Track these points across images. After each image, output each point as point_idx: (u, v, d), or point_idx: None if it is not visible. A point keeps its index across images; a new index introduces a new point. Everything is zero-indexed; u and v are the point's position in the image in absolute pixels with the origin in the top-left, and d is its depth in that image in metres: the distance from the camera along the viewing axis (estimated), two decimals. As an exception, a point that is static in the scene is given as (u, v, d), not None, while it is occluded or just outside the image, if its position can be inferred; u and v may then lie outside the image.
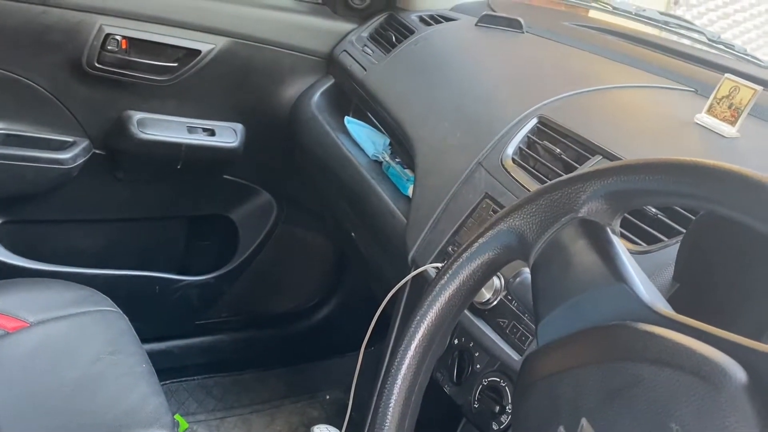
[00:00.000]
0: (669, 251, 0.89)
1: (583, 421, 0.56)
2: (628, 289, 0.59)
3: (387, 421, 0.70)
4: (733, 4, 4.23)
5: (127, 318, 1.40)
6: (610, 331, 0.58)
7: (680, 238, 0.89)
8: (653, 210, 0.94)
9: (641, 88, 1.27)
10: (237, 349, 1.92)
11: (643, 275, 0.62)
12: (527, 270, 0.83)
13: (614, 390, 0.55)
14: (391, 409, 0.70)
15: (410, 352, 0.71)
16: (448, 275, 0.71)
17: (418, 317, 0.71)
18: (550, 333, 0.63)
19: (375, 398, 0.71)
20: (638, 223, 0.93)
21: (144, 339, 1.72)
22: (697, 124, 1.10)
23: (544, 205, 0.65)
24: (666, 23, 1.50)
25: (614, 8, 1.57)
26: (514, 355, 0.95)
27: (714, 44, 1.45)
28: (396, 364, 0.71)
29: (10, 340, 1.28)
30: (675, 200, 0.59)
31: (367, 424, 1.07)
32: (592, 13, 1.68)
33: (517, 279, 0.80)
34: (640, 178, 0.59)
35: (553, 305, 0.63)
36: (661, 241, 0.90)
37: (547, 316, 0.64)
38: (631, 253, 0.90)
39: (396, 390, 0.70)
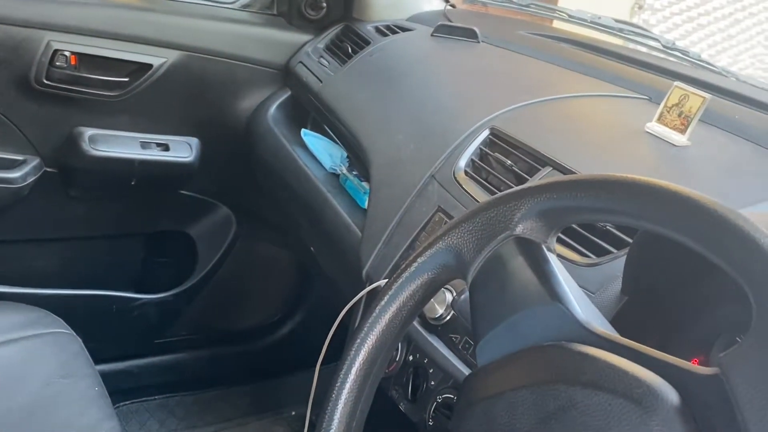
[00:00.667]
0: (618, 263, 0.87)
1: (518, 447, 0.55)
2: (563, 308, 0.57)
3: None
4: (697, 8, 4.27)
5: (80, 340, 1.37)
6: (545, 353, 0.57)
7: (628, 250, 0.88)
8: (602, 222, 0.93)
9: (595, 97, 1.27)
10: (199, 367, 1.88)
11: (580, 293, 0.61)
12: (471, 287, 0.82)
13: (548, 414, 0.54)
14: (332, 435, 0.68)
15: (351, 377, 0.69)
16: (387, 297, 0.69)
17: (358, 341, 0.69)
18: (488, 353, 0.62)
19: (318, 425, 0.69)
20: (588, 234, 0.92)
21: (102, 359, 1.69)
22: (648, 132, 1.10)
23: (481, 223, 0.64)
24: (621, 30, 1.50)
25: (570, 16, 1.57)
26: (466, 371, 0.94)
27: (669, 51, 1.45)
28: (336, 389, 0.69)
29: (-43, 366, 1.24)
30: (606, 217, 0.58)
31: None
32: (549, 22, 1.68)
33: (462, 296, 0.79)
34: (571, 195, 0.58)
35: (491, 325, 0.62)
36: (610, 253, 0.89)
37: (485, 336, 0.62)
38: (580, 265, 0.90)
39: (337, 416, 0.68)
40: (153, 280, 1.77)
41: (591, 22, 1.54)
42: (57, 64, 1.40)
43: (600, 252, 0.90)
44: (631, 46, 1.53)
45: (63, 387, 1.25)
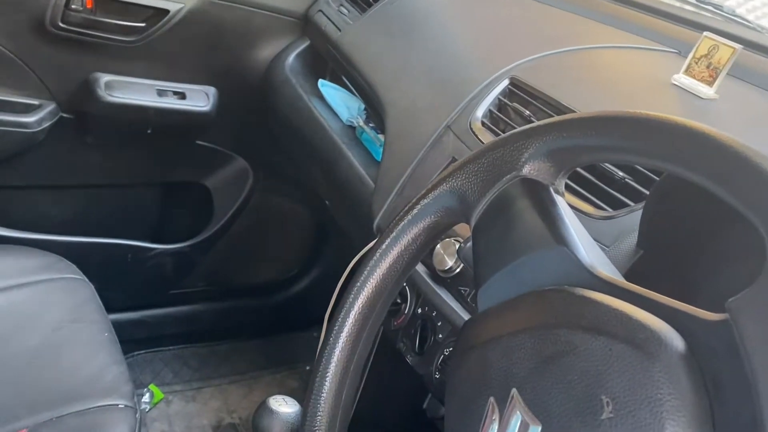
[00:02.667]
0: (635, 217, 0.84)
1: (513, 392, 0.52)
2: (568, 252, 0.54)
3: (323, 394, 0.67)
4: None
5: (92, 286, 1.36)
6: (547, 296, 0.54)
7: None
8: (620, 173, 0.89)
9: (621, 48, 1.22)
10: (214, 319, 1.88)
11: (588, 238, 0.58)
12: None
13: (546, 358, 0.51)
14: (327, 382, 0.66)
15: (349, 321, 0.67)
16: (388, 240, 0.67)
17: (358, 284, 0.67)
18: (489, 298, 0.60)
19: (314, 366, 0.67)
20: (604, 186, 0.89)
21: (116, 308, 1.69)
22: (675, 84, 1.05)
23: (486, 164, 0.61)
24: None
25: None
26: (474, 325, 0.91)
27: (701, 4, 1.39)
28: (333, 334, 0.67)
29: (-30, 308, 1.25)
30: (616, 156, 0.54)
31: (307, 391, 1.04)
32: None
33: (468, 244, 0.76)
34: (584, 133, 0.54)
35: (494, 269, 0.59)
36: (627, 205, 0.86)
37: (487, 281, 0.60)
38: (595, 218, 0.86)
39: (333, 362, 0.67)
40: (168, 231, 1.76)
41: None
42: (72, 6, 1.38)
43: (616, 205, 0.87)
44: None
45: (72, 331, 1.25)
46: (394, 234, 0.66)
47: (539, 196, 0.58)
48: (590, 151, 0.55)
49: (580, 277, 0.53)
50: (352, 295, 0.67)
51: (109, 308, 1.39)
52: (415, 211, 0.65)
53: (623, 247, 0.83)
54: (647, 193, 0.86)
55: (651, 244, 0.80)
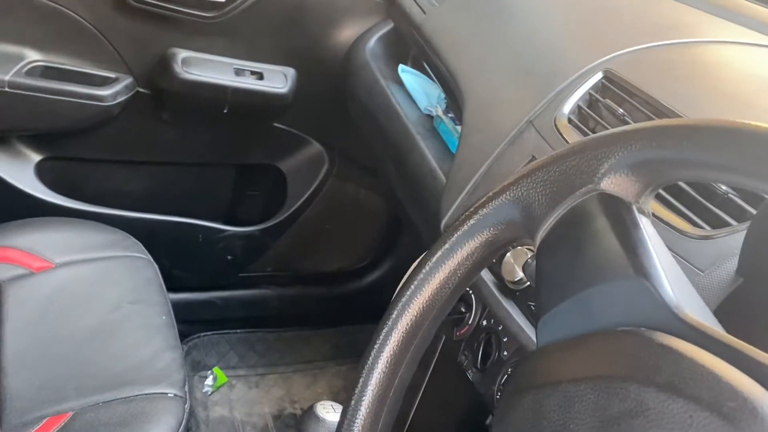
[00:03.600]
0: (737, 239, 0.73)
1: (569, 453, 0.44)
2: (649, 285, 0.45)
3: (358, 416, 0.59)
4: None
5: (156, 266, 1.34)
6: (618, 339, 0.45)
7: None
8: (723, 187, 0.78)
9: (733, 44, 1.08)
10: (282, 305, 1.84)
11: (677, 271, 0.47)
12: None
13: (610, 418, 0.42)
14: (362, 409, 0.59)
15: (391, 341, 0.59)
16: (441, 252, 0.58)
17: (404, 300, 0.59)
18: (550, 332, 0.50)
19: (352, 390, 0.60)
20: (703, 201, 0.77)
21: (185, 288, 1.68)
22: (796, 88, 0.92)
23: (558, 173, 0.52)
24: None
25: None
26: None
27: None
28: (374, 353, 0.60)
29: (33, 281, 1.24)
30: (719, 176, 0.44)
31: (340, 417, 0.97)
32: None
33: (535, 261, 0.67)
34: (676, 144, 0.44)
35: (559, 298, 0.50)
36: (728, 224, 0.75)
37: (549, 311, 0.51)
38: (690, 236, 0.75)
39: (370, 386, 0.59)
40: (240, 213, 1.73)
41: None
42: (153, -20, 1.35)
43: (716, 223, 0.75)
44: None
45: (130, 312, 1.23)
46: (447, 245, 0.58)
47: (619, 215, 0.48)
48: (685, 167, 0.45)
49: (661, 319, 0.44)
50: (396, 312, 0.60)
51: (177, 288, 1.36)
52: (473, 221, 0.57)
53: (720, 273, 0.72)
54: (752, 210, 0.74)
55: (753, 271, 0.69)
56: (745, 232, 0.72)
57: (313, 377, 1.79)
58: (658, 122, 0.47)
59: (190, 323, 1.68)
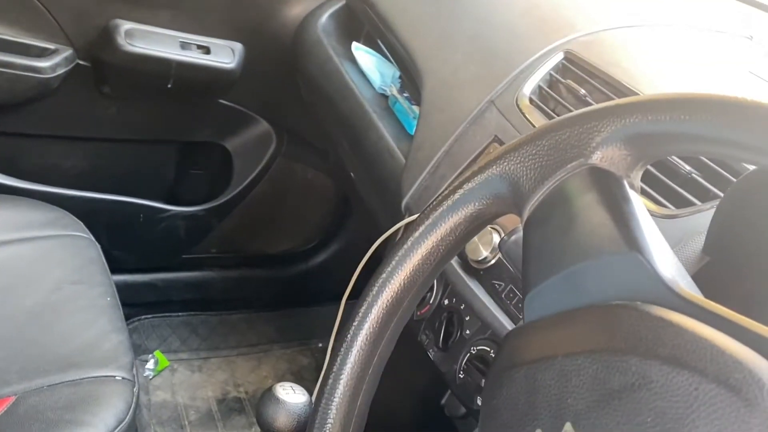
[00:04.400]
0: (701, 218, 0.74)
1: (567, 427, 0.43)
2: (643, 259, 0.45)
3: (335, 395, 0.58)
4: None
5: (98, 246, 1.29)
6: (614, 313, 0.44)
7: (716, 202, 0.74)
8: (687, 167, 0.79)
9: (689, 28, 1.11)
10: (226, 287, 1.80)
11: (666, 245, 0.48)
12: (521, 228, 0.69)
13: (611, 391, 0.42)
14: (341, 386, 0.57)
15: (370, 317, 0.58)
16: (423, 227, 0.57)
17: (384, 276, 0.58)
18: (539, 307, 0.50)
19: (324, 368, 0.58)
20: (667, 181, 0.79)
21: (125, 269, 1.62)
22: (752, 74, 0.94)
23: (548, 147, 0.51)
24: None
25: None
26: (508, 324, 0.82)
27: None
28: (353, 330, 0.58)
29: (-33, 260, 1.18)
30: (716, 149, 0.44)
31: (314, 396, 0.95)
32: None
33: (513, 237, 0.67)
34: (676, 117, 0.44)
35: (547, 273, 0.49)
36: (692, 204, 0.76)
37: (537, 286, 0.50)
38: (655, 215, 0.76)
39: (350, 362, 0.58)
40: (184, 192, 1.68)
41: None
42: (95, -54, 1.29)
43: (681, 203, 0.77)
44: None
45: (73, 293, 1.18)
46: (430, 220, 0.57)
47: (610, 189, 0.48)
48: (680, 141, 0.45)
49: (657, 293, 0.44)
50: (377, 288, 0.58)
51: (117, 269, 1.31)
52: (457, 195, 0.56)
53: (687, 252, 0.73)
54: (716, 191, 0.76)
55: (720, 250, 0.70)
56: (709, 212, 0.74)
57: (257, 360, 1.77)
58: (653, 95, 0.47)
59: (130, 306, 1.62)
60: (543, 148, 0.51)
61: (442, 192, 0.57)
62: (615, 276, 0.46)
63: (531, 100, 0.97)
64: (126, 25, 1.38)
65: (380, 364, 0.60)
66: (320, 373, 1.74)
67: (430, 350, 0.96)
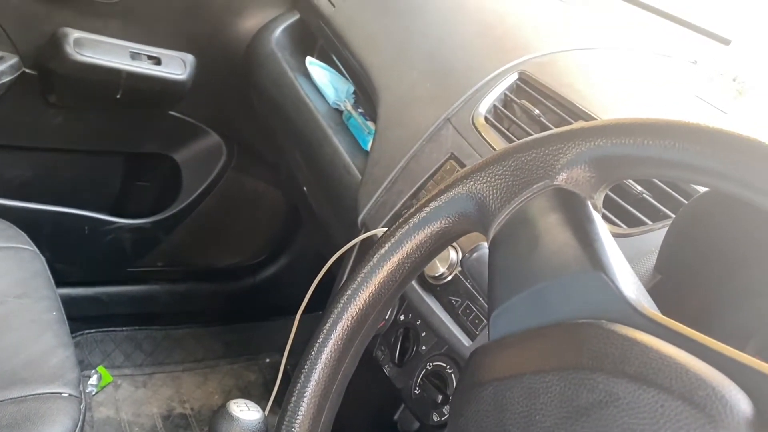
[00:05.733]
0: (652, 237, 0.77)
1: (536, 444, 0.44)
2: (607, 279, 0.46)
3: (299, 413, 0.57)
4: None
5: (43, 258, 1.25)
6: (580, 331, 0.46)
7: (667, 222, 0.77)
8: (638, 188, 0.81)
9: (638, 52, 1.14)
10: (172, 301, 1.77)
11: (627, 265, 0.49)
12: (484, 244, 0.70)
13: (579, 408, 0.43)
14: (304, 404, 0.57)
15: (335, 334, 0.58)
16: (389, 244, 0.57)
17: (349, 292, 0.58)
18: (505, 325, 0.51)
19: (290, 385, 0.58)
20: (619, 200, 0.81)
21: (68, 282, 1.58)
22: (697, 97, 0.98)
23: (513, 167, 0.52)
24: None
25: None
26: (465, 340, 0.83)
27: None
28: (317, 347, 0.58)
29: None
30: (681, 174, 0.46)
31: (267, 412, 0.95)
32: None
33: (474, 254, 0.67)
34: (642, 141, 0.46)
35: (513, 291, 0.50)
36: (644, 224, 0.78)
37: (503, 304, 0.51)
38: (608, 235, 0.78)
39: (315, 376, 0.57)
40: (131, 205, 1.65)
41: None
42: (45, -47, 1.26)
43: (632, 222, 0.79)
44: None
45: (18, 307, 1.15)
46: (396, 237, 0.57)
47: (574, 210, 0.49)
48: (644, 164, 0.47)
49: (621, 312, 0.45)
50: (342, 304, 0.58)
51: (60, 282, 1.28)
52: (423, 213, 0.56)
53: (639, 270, 0.75)
54: (666, 211, 0.78)
55: (671, 269, 0.72)
56: (660, 231, 0.76)
57: (203, 376, 1.74)
58: (617, 119, 0.48)
59: (73, 320, 1.58)
60: (509, 168, 0.52)
61: (409, 209, 0.57)
62: (580, 295, 0.47)
63: (486, 119, 0.98)
64: (75, 34, 1.35)
65: (344, 382, 0.60)
66: (269, 388, 1.72)
67: (386, 366, 0.96)
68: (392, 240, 0.57)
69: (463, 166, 0.94)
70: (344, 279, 0.60)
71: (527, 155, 0.52)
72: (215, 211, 1.68)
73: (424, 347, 0.92)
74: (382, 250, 0.57)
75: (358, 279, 0.58)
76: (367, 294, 0.58)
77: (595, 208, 0.50)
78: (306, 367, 0.58)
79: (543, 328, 0.48)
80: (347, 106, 1.30)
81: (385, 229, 0.97)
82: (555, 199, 0.50)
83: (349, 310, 0.58)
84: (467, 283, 0.85)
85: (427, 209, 0.56)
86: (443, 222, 0.56)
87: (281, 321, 1.87)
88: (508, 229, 0.52)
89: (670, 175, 0.48)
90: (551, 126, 0.92)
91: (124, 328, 1.72)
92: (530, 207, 0.51)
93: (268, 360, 1.83)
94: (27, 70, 1.37)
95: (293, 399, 0.58)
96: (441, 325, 0.86)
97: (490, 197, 0.53)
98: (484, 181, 0.53)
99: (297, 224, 1.81)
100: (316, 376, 0.58)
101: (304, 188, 1.41)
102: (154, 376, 1.70)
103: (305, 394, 0.58)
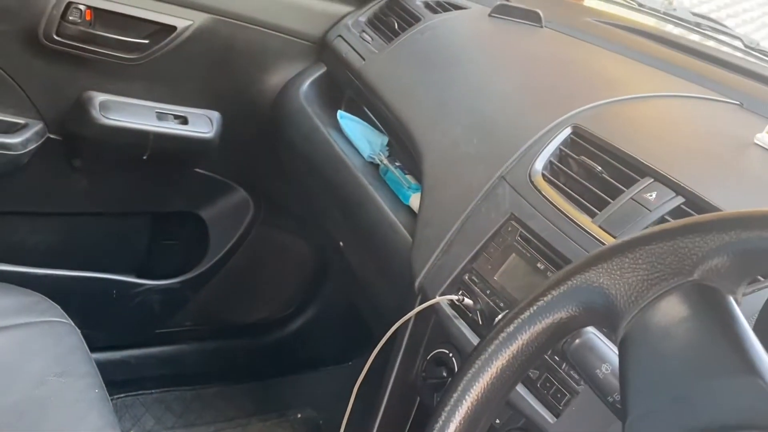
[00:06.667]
0: (755, 298, 0.73)
1: None
2: (764, 385, 0.43)
3: None
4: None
5: (78, 331, 1.21)
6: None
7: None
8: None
9: (684, 98, 1.12)
10: (201, 360, 1.73)
11: (774, 364, 0.46)
12: (589, 330, 0.67)
13: None
14: None
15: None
16: (500, 340, 0.54)
17: (458, 392, 0.55)
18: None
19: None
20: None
21: (96, 348, 1.53)
22: (757, 144, 0.95)
23: (643, 260, 0.49)
24: (698, 25, 1.35)
25: (640, 5, 1.42)
26: (549, 417, 0.79)
27: (752, 51, 1.30)
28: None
29: (-62, 356, 1.09)
30: None
31: None
32: (615, 10, 1.52)
33: (577, 340, 0.64)
34: None
35: (653, 396, 0.47)
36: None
37: (641, 410, 0.48)
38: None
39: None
40: (158, 265, 1.61)
41: (664, 14, 1.39)
42: (70, 18, 1.24)
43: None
44: (708, 43, 1.38)
45: (59, 386, 1.10)
46: (509, 331, 0.54)
47: (717, 308, 0.46)
48: None
49: (783, 422, 0.42)
50: (446, 413, 0.55)
51: (89, 348, 1.24)
52: (538, 305, 0.53)
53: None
54: None
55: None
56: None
57: (235, 436, 1.69)
58: (762, 210, 0.46)
59: (100, 386, 1.54)
60: (638, 261, 0.49)
61: (524, 300, 0.54)
62: (735, 402, 0.44)
63: (544, 176, 0.96)
64: (100, 97, 1.33)
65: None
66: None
67: None
68: (503, 335, 0.54)
69: (525, 227, 0.91)
70: (454, 376, 0.56)
71: (659, 247, 0.49)
72: (243, 267, 1.65)
73: (498, 421, 0.88)
74: (490, 349, 0.54)
75: (468, 377, 0.55)
76: (478, 394, 0.55)
77: (738, 304, 0.47)
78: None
79: (692, 437, 0.45)
80: (383, 159, 1.27)
81: (449, 297, 0.93)
82: (694, 295, 0.47)
83: (459, 413, 0.55)
84: (545, 355, 0.82)
85: (543, 302, 0.53)
86: (562, 315, 0.53)
87: (310, 374, 1.84)
88: (643, 327, 0.49)
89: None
90: (613, 181, 0.90)
91: (153, 391, 1.68)
92: (667, 304, 0.48)
93: (299, 415, 1.78)
94: (52, 136, 1.35)
95: None
96: (519, 399, 0.82)
97: (618, 292, 0.50)
98: (609, 274, 0.50)
99: (325, 277, 1.78)
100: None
101: (341, 243, 1.38)
102: (186, 438, 1.65)
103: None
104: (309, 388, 1.81)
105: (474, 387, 0.55)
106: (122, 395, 1.64)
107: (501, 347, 0.54)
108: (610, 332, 0.51)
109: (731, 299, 0.47)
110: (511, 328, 0.54)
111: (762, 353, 0.45)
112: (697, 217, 0.48)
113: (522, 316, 0.54)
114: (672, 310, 0.47)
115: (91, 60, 1.30)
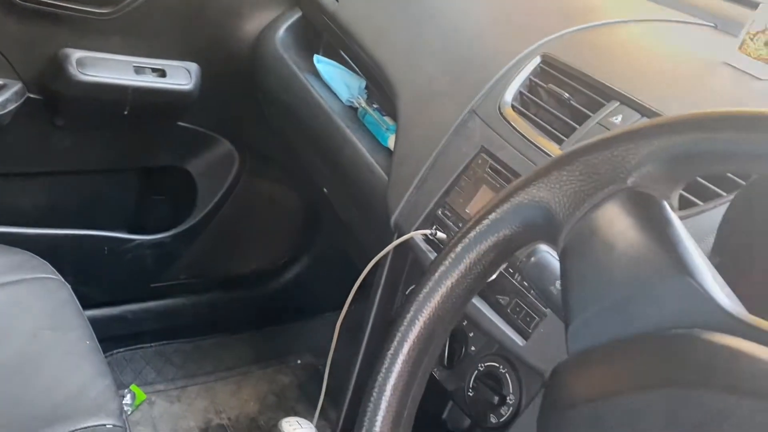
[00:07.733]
0: (707, 218, 0.74)
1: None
2: (695, 284, 0.44)
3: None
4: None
5: (69, 286, 1.23)
6: (676, 343, 0.43)
7: (719, 201, 0.74)
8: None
9: (654, 22, 1.11)
10: (198, 313, 1.75)
11: (712, 268, 0.47)
12: (543, 247, 0.68)
13: (687, 428, 0.40)
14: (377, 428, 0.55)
15: (401, 357, 0.55)
16: (449, 261, 0.55)
17: (411, 313, 0.56)
18: (586, 338, 0.48)
19: (359, 415, 0.56)
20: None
21: (93, 305, 1.56)
22: (726, 64, 0.95)
23: (579, 171, 0.49)
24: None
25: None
26: (518, 340, 0.81)
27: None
28: (383, 372, 0.56)
29: (-69, 315, 1.11)
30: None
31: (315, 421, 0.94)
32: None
33: (532, 258, 0.65)
34: (726, 136, 0.43)
35: (592, 302, 0.48)
36: (695, 204, 0.76)
37: (582, 316, 0.49)
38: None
39: (383, 405, 0.55)
40: (148, 220, 1.62)
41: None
42: (40, -25, 1.23)
43: (684, 203, 0.76)
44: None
45: (52, 339, 1.13)
46: (456, 253, 0.55)
47: (651, 212, 0.47)
48: (728, 159, 0.44)
49: (716, 319, 0.43)
50: (404, 327, 0.56)
51: (85, 305, 1.26)
52: (483, 225, 0.54)
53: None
54: (718, 191, 0.76)
55: (732, 250, 0.70)
56: (713, 211, 0.74)
57: (237, 384, 1.73)
58: (692, 114, 0.46)
59: (100, 341, 1.57)
60: (575, 173, 0.50)
61: (467, 222, 0.55)
62: (668, 302, 0.45)
63: (513, 107, 0.96)
64: (77, 54, 1.32)
65: (413, 408, 0.57)
66: (304, 390, 1.70)
67: (435, 369, 0.95)
68: (452, 256, 0.55)
69: (495, 158, 0.92)
70: (407, 295, 0.57)
71: (594, 157, 0.49)
72: (233, 219, 1.66)
73: (473, 348, 0.90)
74: (442, 268, 0.55)
75: (419, 298, 0.56)
76: (430, 313, 0.56)
77: (672, 208, 0.48)
78: (373, 397, 0.56)
79: (630, 340, 0.46)
80: (361, 102, 1.27)
81: (423, 231, 0.94)
82: (629, 202, 0.47)
83: (414, 331, 0.56)
84: (514, 280, 0.83)
85: (487, 221, 0.54)
86: (506, 231, 0.53)
87: (307, 321, 1.86)
88: (580, 236, 0.49)
89: (756, 169, 0.46)
90: (582, 108, 0.90)
91: (152, 344, 1.71)
92: (603, 212, 0.48)
93: (299, 361, 1.81)
94: (31, 95, 1.35)
95: (365, 426, 0.56)
96: (490, 325, 0.84)
97: (557, 205, 0.50)
98: (549, 187, 0.51)
99: (316, 224, 1.79)
100: (384, 404, 0.56)
101: (324, 189, 1.38)
102: (187, 389, 1.68)
103: (376, 423, 0.56)
104: (307, 334, 1.83)
105: (426, 306, 0.56)
106: (122, 350, 1.67)
107: (451, 267, 0.55)
108: (553, 246, 0.51)
109: (665, 204, 0.47)
110: (459, 248, 0.55)
111: (694, 253, 0.45)
112: (630, 126, 0.49)
113: (469, 236, 0.54)
114: (607, 217, 0.48)
115: (66, 16, 1.29)
